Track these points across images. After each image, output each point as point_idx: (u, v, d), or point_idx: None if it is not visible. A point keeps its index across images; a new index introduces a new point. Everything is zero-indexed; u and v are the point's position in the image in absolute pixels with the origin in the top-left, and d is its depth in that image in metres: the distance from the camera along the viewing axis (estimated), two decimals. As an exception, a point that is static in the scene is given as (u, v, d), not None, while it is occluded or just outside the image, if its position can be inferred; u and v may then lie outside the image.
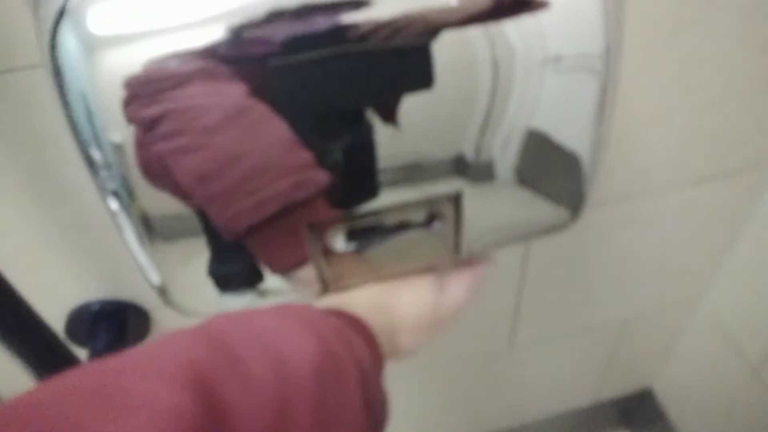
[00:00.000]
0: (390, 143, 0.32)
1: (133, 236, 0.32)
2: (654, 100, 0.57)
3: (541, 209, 0.40)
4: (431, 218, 0.35)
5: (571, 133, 0.36)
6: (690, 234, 0.78)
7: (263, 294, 0.37)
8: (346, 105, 0.31)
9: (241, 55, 0.27)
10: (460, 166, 0.35)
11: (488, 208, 0.38)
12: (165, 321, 0.59)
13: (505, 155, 0.35)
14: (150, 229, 0.32)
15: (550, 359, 0.96)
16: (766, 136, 0.66)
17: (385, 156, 0.32)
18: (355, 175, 0.33)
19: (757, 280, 0.80)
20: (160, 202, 0.31)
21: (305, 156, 0.30)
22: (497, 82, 0.32)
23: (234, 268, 0.36)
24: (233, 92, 0.28)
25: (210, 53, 0.27)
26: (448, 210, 0.35)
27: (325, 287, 0.36)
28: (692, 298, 0.92)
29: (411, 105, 0.31)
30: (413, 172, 0.34)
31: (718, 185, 0.71)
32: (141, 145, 0.28)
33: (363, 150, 0.32)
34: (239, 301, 0.38)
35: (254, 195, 0.30)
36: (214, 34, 0.27)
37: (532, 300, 0.79)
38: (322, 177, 0.30)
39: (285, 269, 0.35)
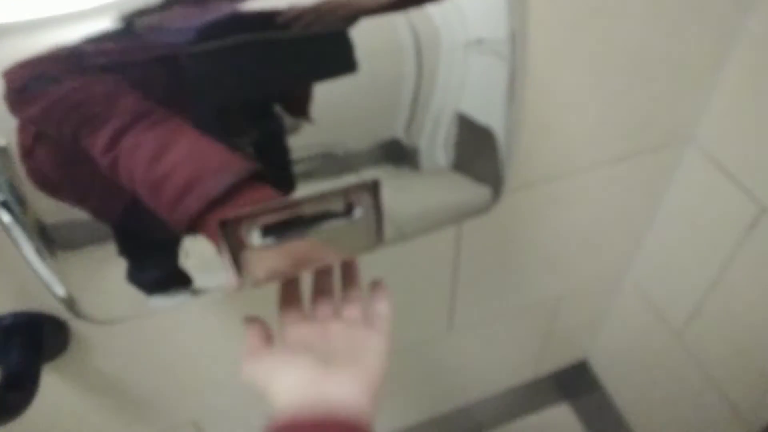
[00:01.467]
0: (312, 133, 0.32)
1: (30, 249, 0.30)
2: (569, 85, 0.59)
3: (464, 190, 0.41)
4: (350, 207, 0.35)
5: (488, 115, 0.37)
6: (613, 210, 0.81)
7: (196, 293, 0.36)
8: (261, 97, 0.30)
9: (137, 49, 0.26)
10: (387, 152, 0.35)
11: (412, 193, 0.38)
12: (84, 331, 0.56)
13: (433, 138, 0.36)
14: (48, 238, 0.30)
15: (489, 340, 0.98)
16: (676, 115, 0.70)
17: (305, 146, 0.32)
18: (273, 169, 0.32)
19: (675, 251, 0.85)
20: (57, 209, 0.29)
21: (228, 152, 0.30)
22: (422, 65, 0.32)
23: (159, 272, 0.35)
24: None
25: (106, 47, 0.25)
26: (366, 198, 0.35)
27: (242, 282, 0.35)
28: (619, 270, 0.96)
29: (335, 93, 0.30)
30: (336, 161, 0.34)
31: (635, 162, 0.74)
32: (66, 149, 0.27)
33: (278, 142, 0.31)
34: (170, 302, 0.36)
35: (196, 189, 0.29)
36: (103, 24, 0.25)
37: (467, 284, 0.80)
38: (247, 166, 0.30)
39: None
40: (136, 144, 0.28)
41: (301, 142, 0.32)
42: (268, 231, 0.32)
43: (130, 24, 0.25)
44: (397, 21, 0.30)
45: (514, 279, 0.87)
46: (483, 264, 0.79)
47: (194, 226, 0.31)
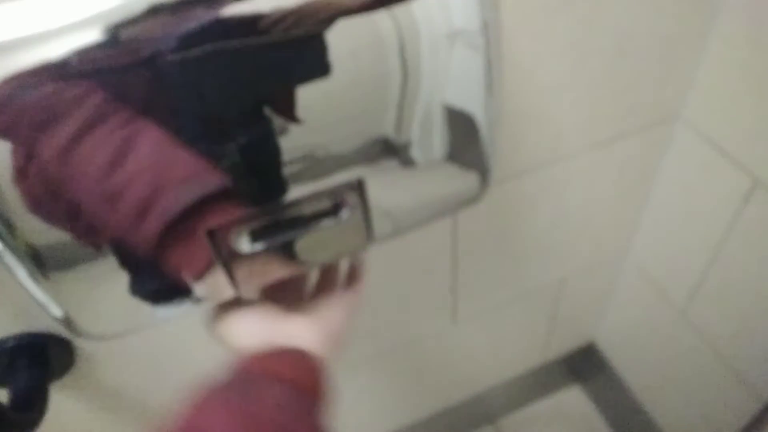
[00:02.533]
0: (301, 134, 0.32)
1: (23, 273, 0.30)
2: (552, 70, 0.59)
3: (454, 181, 0.41)
4: (338, 207, 0.35)
5: (470, 104, 0.37)
6: (608, 191, 0.82)
7: (198, 301, 0.37)
8: (242, 102, 0.30)
9: (120, 56, 0.26)
10: (379, 148, 0.35)
11: (404, 187, 0.39)
12: (90, 347, 0.56)
13: (422, 130, 0.36)
14: (40, 261, 0.30)
15: (495, 328, 0.98)
16: (662, 93, 0.70)
17: (294, 147, 0.32)
18: (262, 173, 0.32)
19: (672, 228, 0.85)
20: (47, 232, 0.29)
21: (195, 162, 0.29)
22: (406, 60, 0.32)
23: (160, 283, 0.35)
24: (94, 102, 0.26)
25: (78, 63, 0.26)
26: (353, 197, 0.35)
27: (238, 289, 0.35)
28: (619, 251, 0.97)
29: (323, 93, 0.31)
30: (327, 160, 0.34)
31: (626, 143, 0.74)
32: (35, 173, 0.27)
33: (265, 147, 0.32)
34: (174, 311, 0.37)
35: (157, 203, 0.29)
36: (91, 35, 0.26)
37: (467, 275, 0.81)
38: (215, 179, 0.30)
39: (197, 276, 0.34)
40: (95, 147, 0.27)
41: (291, 143, 0.32)
42: (256, 236, 0.33)
43: (115, 34, 0.26)
44: (379, 18, 0.30)
45: (515, 266, 0.87)
46: (482, 254, 0.79)
47: (163, 242, 0.30)
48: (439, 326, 0.89)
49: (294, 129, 0.31)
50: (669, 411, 1.08)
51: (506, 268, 0.86)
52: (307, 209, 0.34)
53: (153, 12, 0.26)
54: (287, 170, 0.33)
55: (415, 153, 0.37)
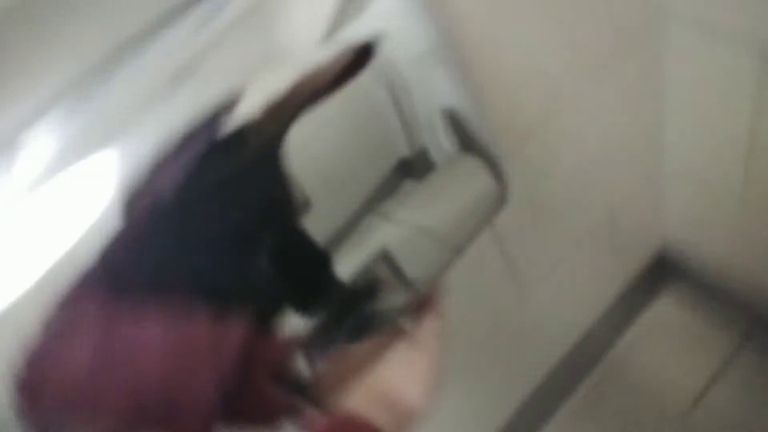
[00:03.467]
0: (326, 210, 0.32)
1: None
2: (522, 30, 0.58)
3: (474, 179, 0.41)
4: (373, 284, 0.35)
5: (455, 98, 0.38)
6: (624, 113, 0.80)
7: None
8: (250, 215, 0.31)
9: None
10: (399, 176, 0.35)
11: (432, 204, 0.39)
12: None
13: (432, 133, 0.37)
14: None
15: (562, 279, 0.97)
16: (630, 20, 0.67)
17: (325, 226, 0.33)
18: (305, 266, 0.33)
19: (700, 126, 0.82)
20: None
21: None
22: (392, 88, 0.33)
23: None
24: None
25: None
26: (383, 269, 0.35)
27: (317, 404, 0.36)
28: (655, 164, 0.94)
29: (329, 157, 0.32)
30: (357, 218, 0.34)
31: (623, 60, 0.72)
32: None
33: (295, 243, 0.32)
34: None
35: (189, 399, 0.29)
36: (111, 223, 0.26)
37: (515, 244, 0.80)
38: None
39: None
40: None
41: (321, 223, 0.33)
42: (311, 353, 0.33)
43: (131, 208, 0.26)
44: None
45: (558, 217, 0.86)
46: (522, 219, 0.78)
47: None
48: (510, 301, 0.89)
49: (316, 209, 0.32)
50: (756, 289, 1.05)
51: (550, 222, 0.85)
52: (346, 302, 0.34)
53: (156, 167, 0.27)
54: (332, 247, 0.33)
55: (433, 154, 0.37)
